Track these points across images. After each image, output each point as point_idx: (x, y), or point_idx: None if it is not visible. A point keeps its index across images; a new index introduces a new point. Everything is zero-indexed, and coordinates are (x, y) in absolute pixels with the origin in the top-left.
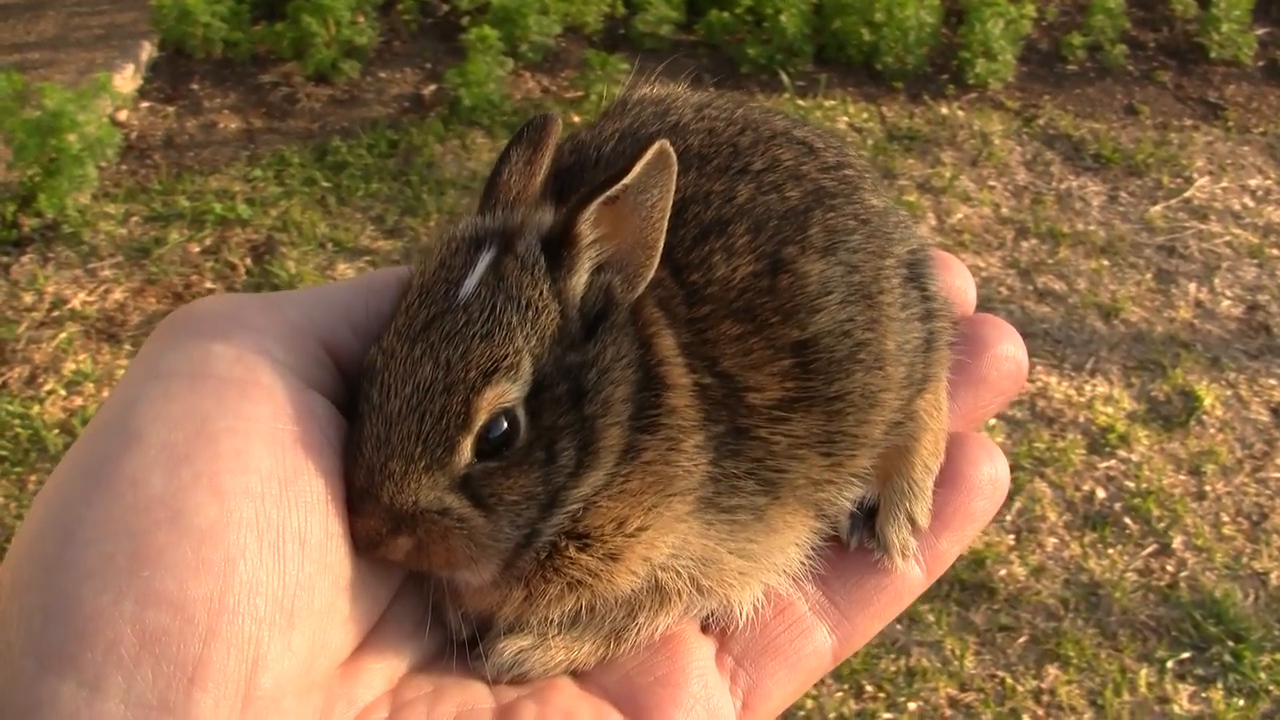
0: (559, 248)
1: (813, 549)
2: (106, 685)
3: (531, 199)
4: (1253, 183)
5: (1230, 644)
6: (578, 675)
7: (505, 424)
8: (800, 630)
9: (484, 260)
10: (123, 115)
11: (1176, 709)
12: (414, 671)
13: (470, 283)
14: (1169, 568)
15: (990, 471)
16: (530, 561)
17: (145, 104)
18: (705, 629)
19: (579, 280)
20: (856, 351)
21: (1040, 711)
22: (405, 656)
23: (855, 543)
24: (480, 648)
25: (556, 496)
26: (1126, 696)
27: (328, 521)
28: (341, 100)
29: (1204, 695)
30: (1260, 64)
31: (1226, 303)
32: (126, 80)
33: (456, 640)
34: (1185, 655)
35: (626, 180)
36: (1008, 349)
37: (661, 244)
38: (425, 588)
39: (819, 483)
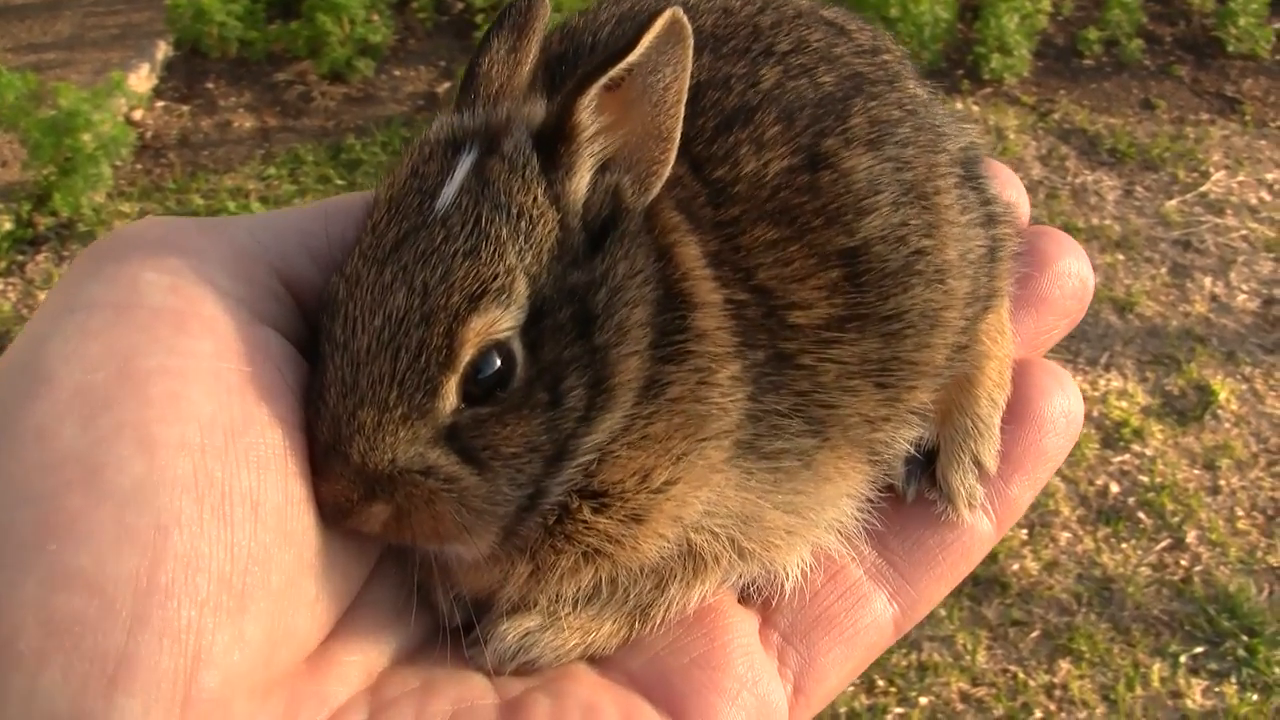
0: (554, 144)
1: (867, 500)
2: (2, 690)
3: (518, 91)
4: (1269, 177)
5: (1244, 639)
6: (596, 660)
7: (498, 360)
8: (856, 598)
9: (464, 164)
10: (138, 114)
11: (1190, 704)
12: (397, 664)
13: (448, 191)
14: (1183, 562)
15: (1063, 403)
16: (536, 528)
17: (160, 103)
18: (744, 600)
19: (580, 182)
20: (914, 261)
21: (1052, 706)
22: (386, 646)
23: (913, 493)
24: (478, 632)
25: (565, 447)
26: (1139, 691)
27: (287, 482)
28: (356, 98)
29: (1217, 690)
30: (1278, 57)
31: (1242, 297)
32: (142, 79)
33: (448, 626)
34: (1199, 650)
35: (632, 58)
36: (1071, 264)
37: (678, 134)
38: (408, 564)
39: (874, 420)
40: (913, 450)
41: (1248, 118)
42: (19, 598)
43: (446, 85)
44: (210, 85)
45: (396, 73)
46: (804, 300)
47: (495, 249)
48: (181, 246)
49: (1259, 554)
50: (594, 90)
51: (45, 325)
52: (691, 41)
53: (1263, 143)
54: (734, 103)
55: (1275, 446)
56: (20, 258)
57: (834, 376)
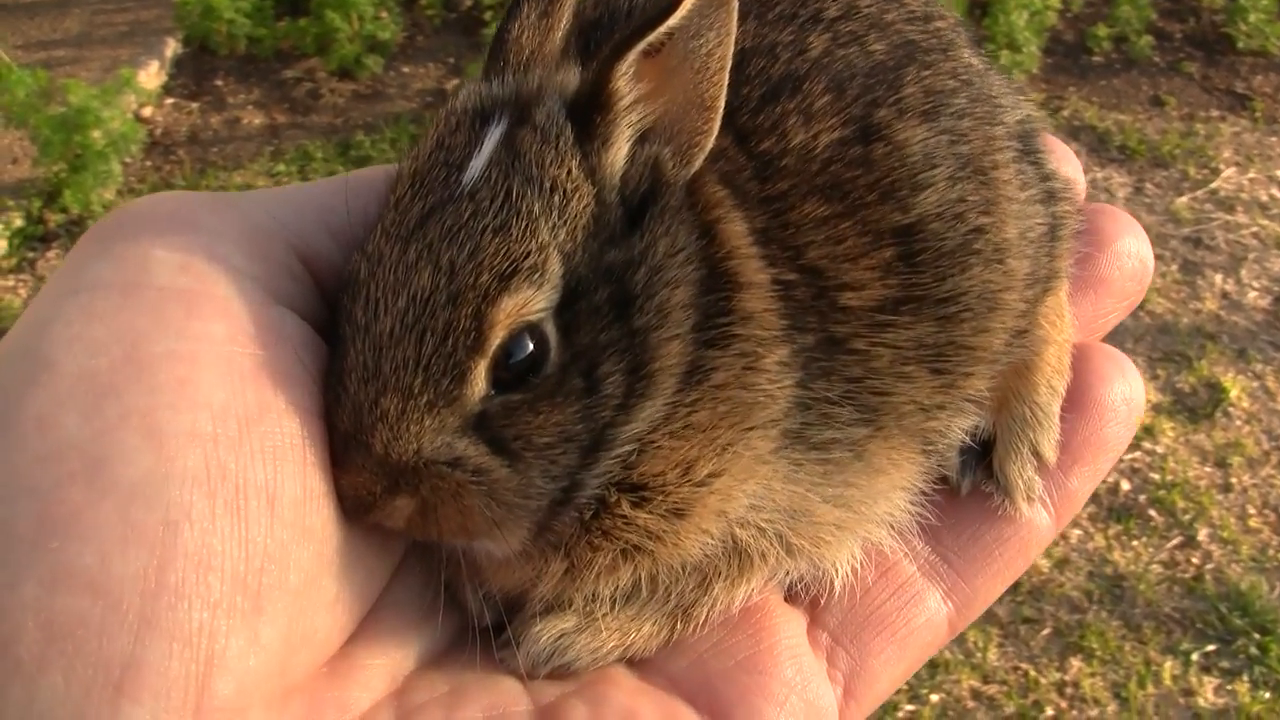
0: (589, 114)
1: (920, 493)
2: (0, 698)
3: (550, 58)
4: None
5: (1256, 636)
6: (635, 663)
7: (530, 343)
8: (909, 596)
9: (493, 135)
10: (147, 111)
11: (1201, 701)
12: (424, 667)
13: (476, 164)
14: (1194, 560)
15: (1124, 390)
16: (571, 523)
17: (170, 100)
18: (791, 598)
19: (617, 154)
20: (972, 240)
21: (1064, 704)
22: (412, 648)
23: (968, 485)
24: (509, 634)
25: (602, 436)
26: (1151, 689)
27: (305, 474)
28: (365, 95)
29: (1229, 688)
30: None
31: (1253, 294)
32: (151, 77)
33: (478, 626)
34: (1210, 648)
35: (673, 21)
36: (1130, 244)
37: (722, 103)
38: (435, 561)
39: (928, 408)
40: (968, 440)
41: (1258, 114)
42: (18, 599)
43: (455, 82)
44: (219, 82)
45: (405, 70)
46: (856, 281)
47: (527, 225)
48: (193, 223)
49: (1270, 552)
50: (632, 56)
51: (48, 307)
52: (736, 4)
53: (1273, 139)
54: (781, 71)
55: None
56: (31, 254)
57: (887, 362)
